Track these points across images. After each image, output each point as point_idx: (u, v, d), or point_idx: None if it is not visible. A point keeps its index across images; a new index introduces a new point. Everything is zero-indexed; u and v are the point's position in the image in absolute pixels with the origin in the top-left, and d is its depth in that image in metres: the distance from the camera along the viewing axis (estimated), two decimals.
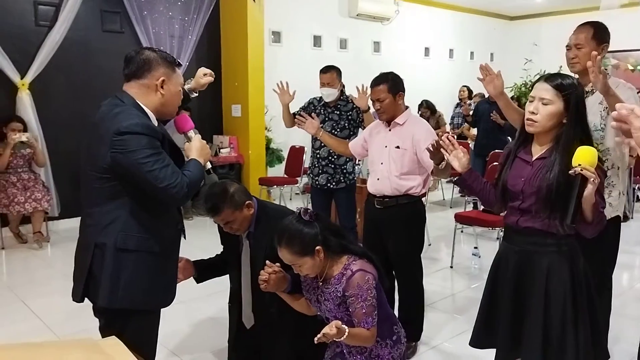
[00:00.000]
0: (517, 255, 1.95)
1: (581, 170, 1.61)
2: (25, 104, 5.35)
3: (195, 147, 1.95)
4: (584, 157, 1.63)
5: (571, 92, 1.82)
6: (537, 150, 1.92)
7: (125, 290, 1.78)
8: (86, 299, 1.85)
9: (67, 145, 5.41)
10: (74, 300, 1.87)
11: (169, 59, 1.88)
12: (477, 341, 2.11)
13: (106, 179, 1.76)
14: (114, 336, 1.60)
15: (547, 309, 1.88)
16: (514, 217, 1.96)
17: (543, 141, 1.90)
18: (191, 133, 2.01)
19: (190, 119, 2.06)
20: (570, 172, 1.64)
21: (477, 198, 4.67)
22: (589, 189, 1.62)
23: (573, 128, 1.82)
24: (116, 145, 1.69)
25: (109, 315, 1.85)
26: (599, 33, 2.34)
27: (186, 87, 2.28)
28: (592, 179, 1.61)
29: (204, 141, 2.01)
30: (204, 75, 2.27)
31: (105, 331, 1.84)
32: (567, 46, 2.40)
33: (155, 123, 1.86)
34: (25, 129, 5.10)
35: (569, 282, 1.87)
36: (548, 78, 1.87)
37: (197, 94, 2.34)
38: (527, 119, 1.86)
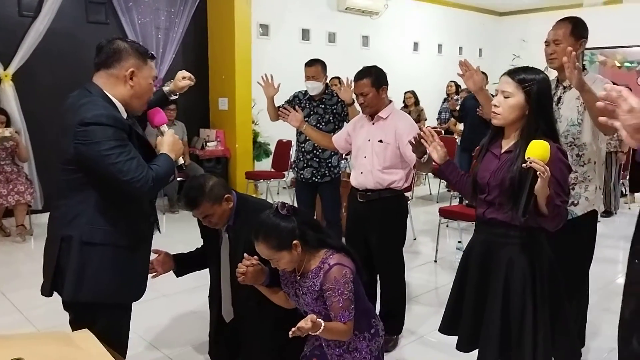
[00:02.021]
0: (482, 245, 2.01)
1: (530, 163, 1.62)
2: (9, 96, 5.29)
3: (167, 142, 1.92)
4: (534, 151, 1.64)
5: (532, 85, 1.84)
6: (506, 144, 1.95)
7: (90, 284, 1.76)
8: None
9: (51, 138, 5.32)
10: (42, 294, 1.84)
11: (141, 50, 1.85)
12: (445, 327, 2.16)
13: (71, 170, 1.74)
14: (86, 329, 1.58)
15: (506, 300, 1.92)
16: (481, 209, 2.01)
17: (510, 134, 1.94)
18: (164, 127, 1.99)
19: (163, 113, 2.04)
20: (522, 165, 1.66)
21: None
22: (539, 183, 1.64)
23: (535, 121, 1.84)
24: (79, 136, 1.66)
25: (77, 309, 1.83)
26: (577, 29, 2.35)
27: (165, 89, 2.26)
28: (540, 172, 1.62)
29: (177, 136, 1.99)
30: (182, 79, 2.23)
31: (74, 325, 1.82)
32: (545, 42, 2.41)
33: (125, 115, 1.83)
34: (8, 122, 5.04)
35: (529, 274, 1.90)
36: (511, 72, 1.90)
37: (176, 97, 2.31)
38: (492, 112, 1.91)
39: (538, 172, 1.61)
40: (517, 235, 1.90)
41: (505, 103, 1.87)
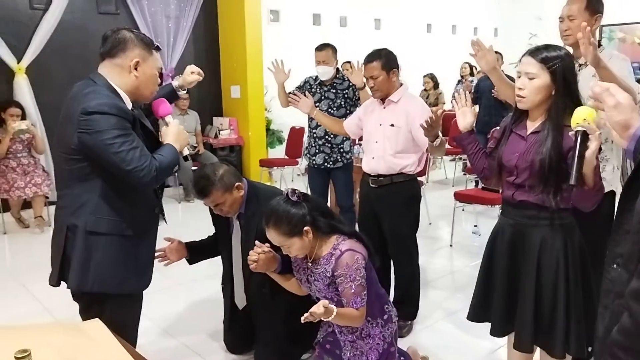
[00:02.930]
0: (512, 228, 1.96)
1: (588, 124, 1.52)
2: (23, 89, 5.34)
3: (171, 132, 1.92)
4: (581, 116, 1.56)
5: (556, 64, 1.78)
6: (531, 125, 1.90)
7: (95, 274, 1.76)
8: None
9: (59, 123, 5.38)
10: (50, 284, 1.86)
11: (146, 41, 1.83)
12: (474, 315, 2.12)
13: (75, 160, 1.73)
14: (97, 318, 1.59)
15: (539, 282, 1.88)
16: (509, 192, 1.96)
17: (536, 115, 1.88)
18: (169, 118, 1.99)
19: (167, 104, 2.03)
20: (570, 133, 1.59)
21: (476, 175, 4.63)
22: (592, 147, 1.55)
23: (562, 100, 1.79)
24: (83, 126, 1.66)
25: (84, 299, 1.84)
26: (591, 4, 2.27)
27: (174, 83, 2.25)
28: (596, 134, 1.54)
29: (182, 127, 1.98)
30: (191, 73, 2.21)
31: (84, 315, 1.83)
32: (559, 18, 2.34)
33: (129, 105, 1.82)
34: (23, 114, 5.09)
35: (562, 256, 1.86)
36: (532, 52, 1.84)
37: (185, 92, 2.30)
38: (517, 95, 1.85)
39: (590, 135, 1.53)
40: (548, 217, 1.85)
41: (530, 85, 1.81)
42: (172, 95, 2.22)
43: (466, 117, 2.04)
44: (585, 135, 1.55)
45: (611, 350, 1.10)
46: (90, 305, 1.82)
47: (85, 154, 1.71)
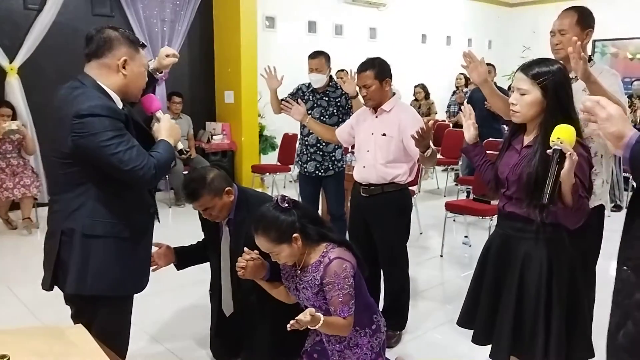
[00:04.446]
0: (500, 239, 2.00)
1: (560, 143, 1.55)
2: (14, 89, 5.31)
3: (164, 128, 1.90)
4: (561, 133, 1.57)
5: (547, 79, 1.79)
6: (527, 139, 1.92)
7: (94, 277, 1.75)
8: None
9: (49, 127, 5.35)
10: (43, 288, 1.84)
11: (132, 39, 1.82)
12: (462, 321, 2.14)
13: (69, 164, 1.72)
14: (80, 324, 1.57)
15: (521, 293, 1.90)
16: (501, 203, 2.00)
17: (531, 129, 1.90)
18: (159, 114, 1.97)
19: (157, 100, 2.02)
20: (547, 151, 1.60)
21: (470, 187, 4.66)
22: (567, 166, 1.55)
23: (553, 115, 1.79)
24: (76, 129, 1.64)
25: (78, 303, 1.82)
26: (583, 18, 2.29)
27: (150, 67, 2.21)
28: (569, 154, 1.54)
29: (173, 121, 1.97)
30: (166, 56, 2.13)
31: (76, 319, 1.81)
32: (551, 32, 2.35)
33: (120, 105, 1.81)
34: (14, 115, 5.06)
35: (545, 270, 1.86)
36: (525, 68, 1.86)
37: (162, 74, 2.26)
38: (511, 110, 1.89)
39: (567, 154, 1.54)
40: (535, 230, 1.86)
41: (522, 100, 1.83)
42: (149, 80, 2.12)
43: (470, 130, 2.11)
44: (562, 154, 1.56)
45: (617, 352, 1.23)
46: (84, 308, 1.80)
47: (80, 157, 1.69)
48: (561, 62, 1.98)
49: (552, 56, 2.35)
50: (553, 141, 1.57)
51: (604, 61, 9.70)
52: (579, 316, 1.91)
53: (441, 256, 4.50)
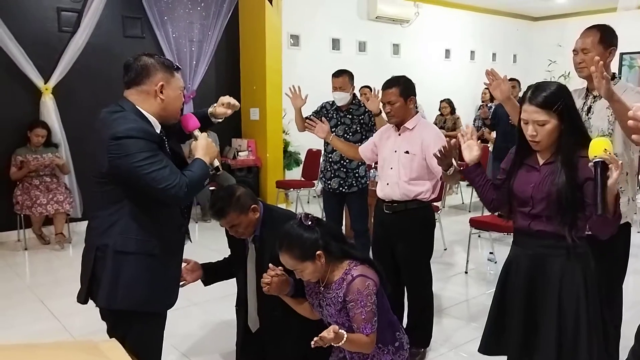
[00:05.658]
0: (530, 259, 1.95)
1: (608, 154, 1.57)
2: (49, 109, 5.49)
3: (200, 146, 1.97)
4: (598, 148, 1.60)
5: (560, 104, 1.81)
6: (542, 156, 1.93)
7: (124, 292, 1.82)
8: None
9: (90, 148, 5.51)
10: (78, 301, 1.92)
11: (167, 64, 1.91)
12: (486, 347, 2.10)
13: (104, 183, 1.81)
14: (114, 339, 1.63)
15: (561, 313, 1.87)
16: (524, 222, 1.96)
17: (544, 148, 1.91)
18: (196, 132, 2.04)
19: (195, 118, 2.08)
20: (589, 165, 1.62)
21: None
22: (614, 176, 1.58)
23: (571, 134, 1.82)
24: (113, 150, 1.73)
25: (112, 318, 1.89)
26: (605, 36, 2.29)
27: (209, 110, 2.28)
28: (613, 165, 1.57)
29: (210, 139, 2.03)
30: (222, 105, 2.24)
31: (111, 334, 1.88)
32: (574, 50, 2.36)
33: (158, 128, 1.89)
34: (49, 134, 5.24)
35: (582, 285, 1.86)
36: (532, 99, 1.84)
37: (221, 120, 2.30)
38: (530, 142, 1.88)
39: (610, 165, 1.57)
40: (567, 246, 1.86)
41: (542, 130, 1.83)
42: (204, 120, 2.22)
43: (472, 151, 2.06)
44: (604, 165, 1.58)
45: None
46: (118, 323, 1.87)
47: (116, 177, 1.78)
48: (559, 79, 2.00)
49: (576, 72, 2.37)
50: (596, 155, 1.60)
51: (631, 74, 9.53)
52: (605, 333, 1.91)
53: (466, 272, 4.47)
